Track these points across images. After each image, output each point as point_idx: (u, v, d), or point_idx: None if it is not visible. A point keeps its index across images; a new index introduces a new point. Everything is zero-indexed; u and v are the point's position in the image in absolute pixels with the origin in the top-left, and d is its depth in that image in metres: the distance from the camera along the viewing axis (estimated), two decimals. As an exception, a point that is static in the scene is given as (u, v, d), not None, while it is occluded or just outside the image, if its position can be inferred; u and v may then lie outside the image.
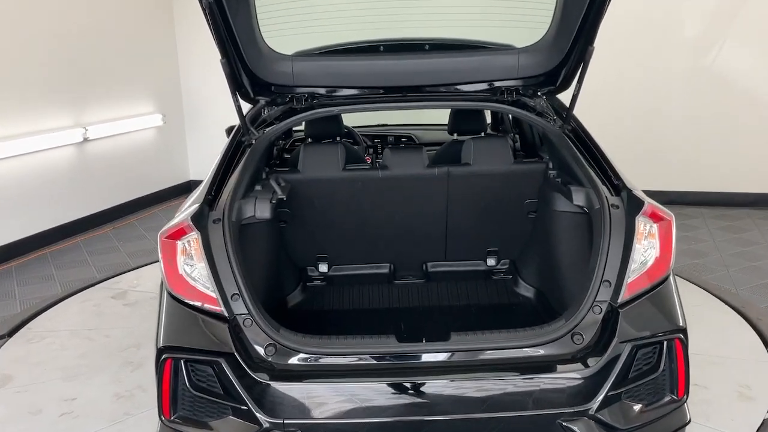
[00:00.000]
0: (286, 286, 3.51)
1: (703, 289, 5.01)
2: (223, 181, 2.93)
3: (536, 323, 3.22)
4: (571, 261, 3.13)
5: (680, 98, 7.31)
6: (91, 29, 7.01)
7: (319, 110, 3.25)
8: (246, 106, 3.33)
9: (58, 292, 5.37)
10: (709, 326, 4.30)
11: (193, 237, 2.60)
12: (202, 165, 8.57)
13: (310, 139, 4.37)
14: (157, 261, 2.68)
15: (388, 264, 3.70)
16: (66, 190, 6.82)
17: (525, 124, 4.28)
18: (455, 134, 4.36)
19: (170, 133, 8.51)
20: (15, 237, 6.20)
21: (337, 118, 4.01)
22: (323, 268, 3.69)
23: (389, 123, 5.51)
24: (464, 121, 4.15)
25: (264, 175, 3.27)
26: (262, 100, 3.30)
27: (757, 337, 4.19)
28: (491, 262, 3.71)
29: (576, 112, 3.20)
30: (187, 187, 8.45)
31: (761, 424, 3.24)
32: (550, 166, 3.36)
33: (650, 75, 7.29)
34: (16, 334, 4.52)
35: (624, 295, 2.55)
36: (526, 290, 3.54)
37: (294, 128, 4.90)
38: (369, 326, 3.23)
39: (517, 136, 4.78)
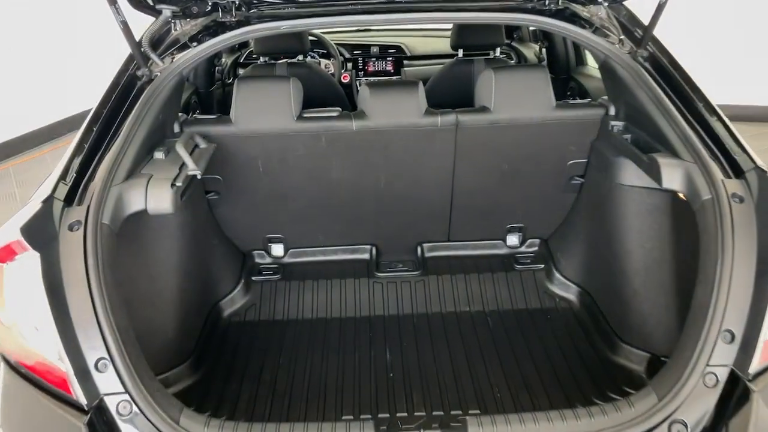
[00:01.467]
0: (222, 284, 2.46)
1: None
2: (99, 147, 1.82)
3: (587, 349, 2.22)
4: (642, 262, 2.09)
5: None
6: None
7: (257, 27, 2.08)
8: (142, 23, 2.13)
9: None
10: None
11: (27, 261, 1.53)
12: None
13: (261, 59, 3.21)
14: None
15: (369, 247, 2.64)
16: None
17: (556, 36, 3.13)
18: (460, 50, 3.19)
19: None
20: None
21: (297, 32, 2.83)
22: (277, 251, 2.62)
23: (373, 27, 4.26)
24: (474, 33, 2.97)
25: (177, 129, 2.15)
26: (168, 11, 2.09)
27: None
28: (513, 241, 2.65)
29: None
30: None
31: None
32: (611, 112, 2.23)
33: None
34: None
35: (762, 359, 1.52)
36: (564, 289, 2.49)
37: None
38: (336, 358, 2.20)
39: (544, 48, 3.62)
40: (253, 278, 2.54)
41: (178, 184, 1.80)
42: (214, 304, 2.40)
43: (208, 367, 2.16)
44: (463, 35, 3.10)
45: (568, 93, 3.33)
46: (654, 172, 1.84)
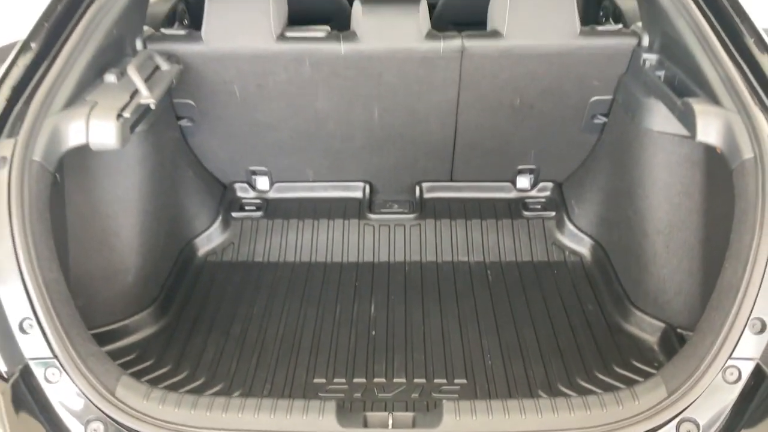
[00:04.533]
0: (198, 220, 2.24)
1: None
2: (38, 68, 1.56)
3: (594, 312, 1.99)
4: (666, 220, 1.83)
5: None
6: None
7: None
8: None
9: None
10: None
11: None
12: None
13: None
14: None
15: (362, 184, 2.39)
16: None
17: None
18: None
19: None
20: None
21: None
22: (262, 184, 2.39)
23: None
24: None
25: (140, 46, 1.88)
26: None
27: None
28: (523, 183, 2.38)
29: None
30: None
31: None
32: (645, 42, 1.91)
33: None
34: None
35: None
36: (576, 241, 2.24)
37: None
38: (315, 310, 2.00)
39: None
40: (233, 214, 2.32)
41: (126, 114, 1.55)
42: (187, 241, 2.19)
43: (174, 314, 1.98)
44: None
45: (600, 14, 2.97)
46: (688, 120, 1.55)
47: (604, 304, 2.00)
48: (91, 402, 1.30)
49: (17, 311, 1.30)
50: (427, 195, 2.38)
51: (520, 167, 2.33)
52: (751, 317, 1.29)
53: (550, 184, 2.38)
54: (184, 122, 2.13)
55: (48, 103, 1.48)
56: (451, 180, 2.38)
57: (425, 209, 2.34)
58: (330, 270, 2.17)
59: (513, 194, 2.38)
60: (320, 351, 1.84)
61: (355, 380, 1.74)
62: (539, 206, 2.35)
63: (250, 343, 1.87)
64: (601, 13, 2.93)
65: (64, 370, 1.29)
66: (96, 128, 1.50)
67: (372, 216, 2.31)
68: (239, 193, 2.40)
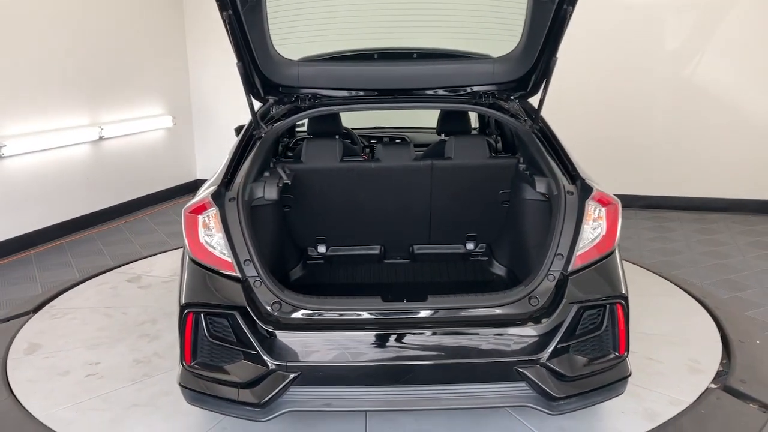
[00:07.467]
0: (289, 263, 3.98)
1: (670, 281, 5.45)
2: (237, 167, 3.40)
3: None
4: (536, 242, 3.59)
5: (662, 107, 7.77)
6: (107, 34, 7.51)
7: (321, 108, 3.73)
8: (257, 105, 3.81)
9: (75, 276, 5.79)
10: (670, 313, 4.76)
11: (212, 212, 3.07)
12: (209, 165, 9.05)
13: (311, 136, 4.87)
14: (168, 251, 3.13)
15: (379, 246, 4.17)
16: (82, 185, 7.29)
17: (505, 125, 4.77)
18: (443, 134, 4.85)
19: (179, 134, 8.98)
20: (34, 227, 6.67)
21: (336, 118, 4.49)
22: (322, 248, 4.16)
23: (385, 126, 5.99)
24: (450, 123, 4.64)
25: (272, 164, 3.75)
26: (271, 99, 3.80)
27: (713, 322, 4.61)
28: (470, 245, 4.19)
29: (561, 116, 3.68)
30: (194, 186, 8.81)
31: (704, 391, 3.68)
32: (521, 160, 3.83)
33: (633, 84, 7.73)
34: (41, 311, 4.95)
35: (573, 265, 3.00)
36: (499, 269, 4.01)
37: (297, 129, 5.40)
38: (360, 296, 3.69)
39: (499, 137, 5.29)
40: (308, 262, 4.07)
41: (279, 185, 3.39)
42: (284, 273, 3.91)
43: None
44: (443, 124, 4.76)
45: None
46: (534, 186, 3.42)
47: None
48: (275, 294, 2.96)
49: (243, 256, 2.99)
50: (416, 252, 4.17)
51: (467, 235, 4.15)
52: (557, 253, 3.04)
53: (485, 245, 4.20)
54: (285, 209, 3.94)
55: (245, 180, 3.29)
56: (429, 243, 4.18)
57: (416, 258, 4.11)
58: (363, 288, 3.88)
59: (463, 251, 4.18)
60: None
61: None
62: (479, 256, 4.14)
63: None
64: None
65: (263, 281, 2.97)
66: (268, 189, 3.32)
67: (386, 261, 4.07)
68: (309, 253, 4.16)
